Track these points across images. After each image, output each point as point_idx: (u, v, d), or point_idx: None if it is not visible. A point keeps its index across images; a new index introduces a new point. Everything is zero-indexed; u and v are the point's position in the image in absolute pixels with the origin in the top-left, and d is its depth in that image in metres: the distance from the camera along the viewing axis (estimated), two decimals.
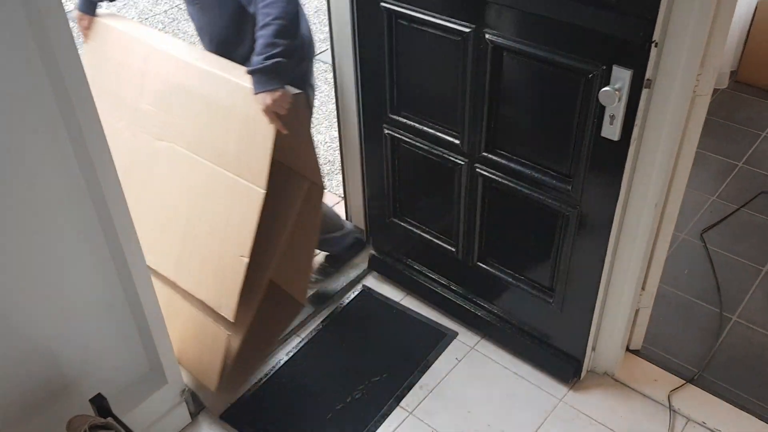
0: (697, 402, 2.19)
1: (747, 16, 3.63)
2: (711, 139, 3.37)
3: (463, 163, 2.13)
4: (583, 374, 2.26)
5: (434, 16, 1.94)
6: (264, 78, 1.84)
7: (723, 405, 2.19)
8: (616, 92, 1.66)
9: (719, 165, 3.22)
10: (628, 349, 2.33)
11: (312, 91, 2.25)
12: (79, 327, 1.82)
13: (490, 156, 2.07)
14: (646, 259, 2.05)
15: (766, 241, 2.81)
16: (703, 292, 2.59)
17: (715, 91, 3.65)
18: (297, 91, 1.90)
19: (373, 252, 2.67)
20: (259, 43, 1.85)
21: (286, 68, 1.86)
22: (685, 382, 2.25)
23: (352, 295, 2.60)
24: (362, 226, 2.72)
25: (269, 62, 1.82)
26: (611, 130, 1.75)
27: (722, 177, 3.14)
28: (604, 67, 1.68)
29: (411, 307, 2.55)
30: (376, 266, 2.67)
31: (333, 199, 3.07)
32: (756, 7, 3.59)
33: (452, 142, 2.13)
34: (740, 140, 3.37)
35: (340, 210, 2.87)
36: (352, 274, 2.68)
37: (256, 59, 1.84)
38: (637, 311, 2.21)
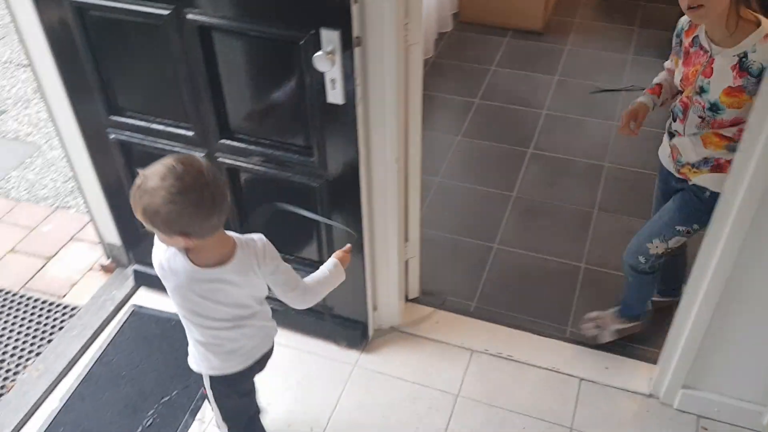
0: (477, 332, 2.31)
1: None
2: (446, 81, 3.56)
3: (202, 155, 2.01)
4: (371, 335, 2.29)
5: (124, 2, 1.78)
6: None
7: (500, 330, 2.33)
8: (329, 55, 1.64)
9: (458, 105, 3.41)
10: (407, 300, 2.39)
11: None
12: None
13: (228, 142, 1.97)
14: (402, 212, 2.09)
15: (509, 168, 3.03)
16: (466, 229, 2.74)
17: (442, 34, 3.86)
18: None
19: (136, 267, 2.47)
20: None
21: None
22: (463, 316, 2.37)
23: (123, 318, 2.39)
24: (118, 242, 2.49)
25: None
26: (335, 95, 1.73)
27: (463, 116, 3.33)
28: (313, 32, 1.64)
29: None
30: (142, 281, 2.47)
31: (82, 220, 2.79)
32: None
33: (186, 135, 2.00)
34: (473, 78, 3.59)
35: (90, 232, 2.62)
36: (117, 295, 2.46)
37: None
38: (406, 262, 2.27)
